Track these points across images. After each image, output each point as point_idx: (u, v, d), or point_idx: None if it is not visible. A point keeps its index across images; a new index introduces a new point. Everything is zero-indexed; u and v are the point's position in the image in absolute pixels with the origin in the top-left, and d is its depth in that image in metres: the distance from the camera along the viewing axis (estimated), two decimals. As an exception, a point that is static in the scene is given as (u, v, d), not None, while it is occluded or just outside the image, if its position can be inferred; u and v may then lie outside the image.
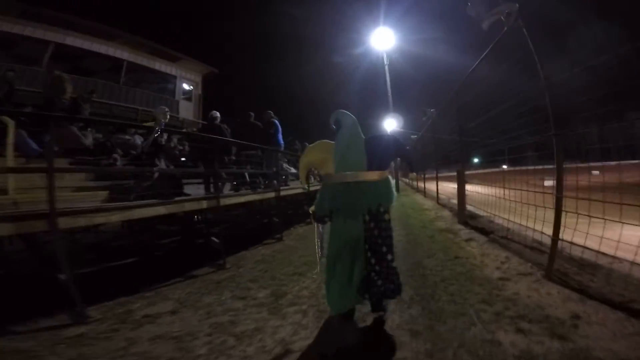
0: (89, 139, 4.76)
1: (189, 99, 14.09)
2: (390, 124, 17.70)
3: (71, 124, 4.46)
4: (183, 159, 5.71)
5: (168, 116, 5.21)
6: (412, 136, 15.48)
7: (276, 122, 6.56)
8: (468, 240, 4.16)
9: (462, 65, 5.31)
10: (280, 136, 6.57)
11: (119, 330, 2.28)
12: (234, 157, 5.59)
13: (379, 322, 2.03)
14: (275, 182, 6.01)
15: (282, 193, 6.16)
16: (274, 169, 6.13)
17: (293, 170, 8.88)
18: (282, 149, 6.77)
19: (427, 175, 11.95)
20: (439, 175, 8.86)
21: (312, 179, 6.24)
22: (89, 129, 5.04)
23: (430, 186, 10.83)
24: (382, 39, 16.66)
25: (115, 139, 5.33)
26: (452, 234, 4.67)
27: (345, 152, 1.94)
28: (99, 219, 2.91)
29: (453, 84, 5.53)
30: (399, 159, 2.94)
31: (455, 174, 5.58)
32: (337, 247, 1.92)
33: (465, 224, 5.14)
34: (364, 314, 2.14)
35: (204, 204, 4.07)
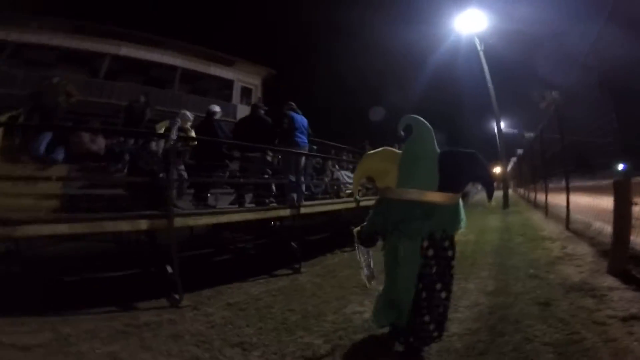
0: (97, 145, 4.76)
1: (248, 103, 14.45)
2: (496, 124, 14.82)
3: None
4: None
5: (189, 121, 5.27)
6: (526, 135, 12.75)
7: (293, 115, 5.40)
8: (630, 319, 2.21)
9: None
10: (300, 134, 5.36)
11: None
12: (228, 162, 4.73)
13: None
14: (294, 195, 4.87)
15: (312, 209, 5.05)
16: (292, 177, 5.00)
17: (348, 178, 7.71)
18: (305, 149, 5.53)
19: (551, 185, 9.10)
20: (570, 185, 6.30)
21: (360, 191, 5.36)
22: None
23: (556, 200, 8.05)
24: (471, 23, 14.18)
25: (125, 145, 5.34)
26: (594, 299, 2.70)
27: (414, 166, 1.84)
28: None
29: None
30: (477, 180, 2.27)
31: (595, 184, 4.14)
32: (386, 264, 1.94)
33: (626, 276, 3.04)
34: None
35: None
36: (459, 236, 2.01)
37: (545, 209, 8.34)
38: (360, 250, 2.24)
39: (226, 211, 4.15)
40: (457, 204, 1.90)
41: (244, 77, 14.51)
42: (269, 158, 5.58)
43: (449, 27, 15.21)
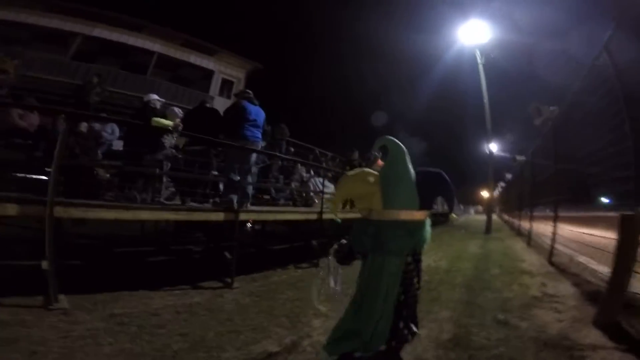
0: (27, 122, 4.78)
1: (229, 96, 13.81)
2: (490, 146, 14.56)
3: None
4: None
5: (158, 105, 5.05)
6: (518, 158, 12.53)
7: (246, 105, 4.72)
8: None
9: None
10: (250, 127, 4.66)
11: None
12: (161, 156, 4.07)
13: None
14: (233, 197, 4.18)
15: (256, 216, 4.41)
16: (234, 175, 4.34)
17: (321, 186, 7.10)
18: (256, 145, 4.85)
19: (538, 213, 8.72)
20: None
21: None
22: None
23: (542, 229, 7.61)
24: (474, 34, 13.85)
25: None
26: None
27: (397, 188, 1.92)
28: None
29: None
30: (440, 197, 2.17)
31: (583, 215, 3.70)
32: (372, 286, 1.88)
33: (615, 330, 2.50)
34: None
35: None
36: (430, 263, 2.51)
37: (529, 237, 7.87)
38: (332, 268, 2.23)
39: (130, 207, 3.43)
40: (428, 220, 2.03)
41: (226, 69, 13.90)
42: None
43: (452, 38, 14.99)
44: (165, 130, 4.51)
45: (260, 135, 4.84)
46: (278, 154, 6.21)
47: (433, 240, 2.10)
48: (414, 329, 1.95)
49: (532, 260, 5.66)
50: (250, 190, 4.71)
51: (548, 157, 6.69)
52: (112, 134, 5.47)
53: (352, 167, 8.62)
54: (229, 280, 4.02)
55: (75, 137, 4.75)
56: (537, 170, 7.86)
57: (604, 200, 5.32)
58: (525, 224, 9.91)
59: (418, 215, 1.94)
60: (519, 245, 7.92)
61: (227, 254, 4.05)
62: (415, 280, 1.96)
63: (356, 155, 8.23)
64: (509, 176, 20.40)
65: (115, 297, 3.29)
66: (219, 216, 4.04)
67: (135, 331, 2.55)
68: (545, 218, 8.49)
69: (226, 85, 14.21)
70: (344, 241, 2.16)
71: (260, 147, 4.86)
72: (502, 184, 25.60)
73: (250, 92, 4.98)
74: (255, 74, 14.79)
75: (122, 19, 11.40)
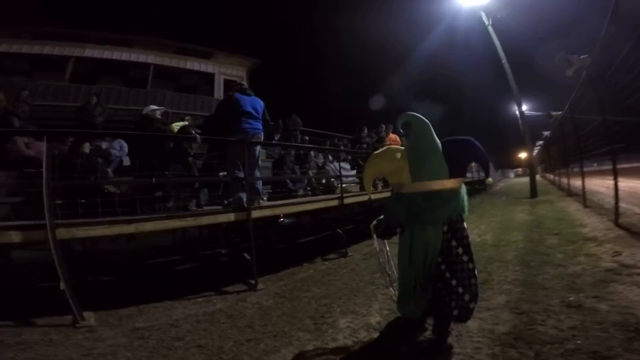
0: (34, 150, 4.61)
1: None
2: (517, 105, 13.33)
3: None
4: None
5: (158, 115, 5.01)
6: (553, 113, 11.54)
7: (239, 97, 4.35)
8: None
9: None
10: (249, 120, 4.29)
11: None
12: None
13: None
14: (242, 195, 3.86)
15: (271, 212, 4.20)
16: (239, 172, 4.03)
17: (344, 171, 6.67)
18: (258, 137, 4.48)
19: (586, 168, 7.83)
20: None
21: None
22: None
23: (596, 186, 6.78)
24: None
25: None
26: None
27: (424, 160, 1.99)
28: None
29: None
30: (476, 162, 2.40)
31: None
32: (411, 258, 2.02)
33: None
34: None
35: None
36: (473, 238, 2.30)
37: (583, 197, 7.03)
38: (378, 244, 2.39)
39: (132, 220, 3.22)
40: (463, 187, 2.10)
41: (226, 70, 13.92)
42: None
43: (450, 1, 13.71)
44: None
45: (260, 127, 4.48)
46: (280, 142, 5.74)
47: (472, 212, 2.29)
48: (468, 309, 1.96)
49: (594, 223, 4.94)
50: (260, 185, 4.38)
51: (588, 108, 5.91)
52: (121, 150, 5.39)
53: (364, 145, 8.13)
54: (252, 282, 3.81)
55: (80, 158, 4.68)
56: (581, 122, 6.96)
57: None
58: (575, 182, 8.98)
59: (449, 183, 2.00)
60: (572, 207, 7.10)
61: (247, 255, 3.76)
62: (459, 250, 1.99)
63: (365, 132, 7.73)
64: (546, 133, 18.93)
65: (140, 310, 3.27)
66: (230, 217, 3.75)
67: (153, 345, 2.49)
68: (597, 173, 7.62)
69: (230, 86, 14.05)
70: (381, 217, 2.31)
71: (261, 138, 4.50)
72: (539, 142, 23.85)
73: (243, 83, 4.66)
74: (256, 70, 14.78)
75: (111, 37, 11.68)
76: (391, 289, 2.53)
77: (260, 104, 4.56)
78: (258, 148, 4.43)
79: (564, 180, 11.35)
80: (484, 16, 12.47)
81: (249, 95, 4.49)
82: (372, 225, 2.33)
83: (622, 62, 3.80)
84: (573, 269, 3.14)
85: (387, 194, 2.27)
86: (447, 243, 1.98)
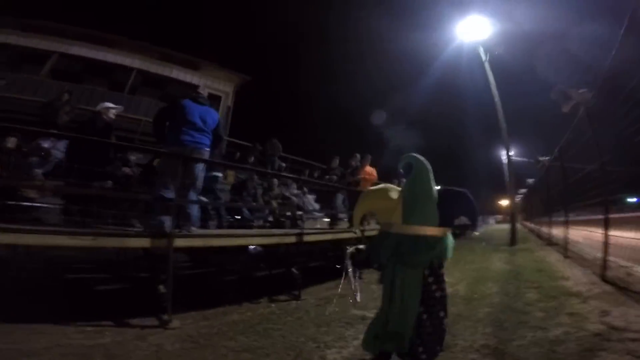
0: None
1: (216, 111, 13.40)
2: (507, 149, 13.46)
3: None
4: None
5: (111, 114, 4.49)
6: (541, 158, 11.57)
7: (186, 104, 3.85)
8: None
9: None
10: (191, 131, 3.77)
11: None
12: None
13: None
14: (164, 219, 3.27)
15: (191, 242, 3.59)
16: (166, 192, 3.46)
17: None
18: (200, 153, 3.92)
19: (569, 216, 7.60)
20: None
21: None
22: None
23: (576, 237, 6.46)
24: (474, 30, 12.91)
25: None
26: None
27: (418, 205, 2.06)
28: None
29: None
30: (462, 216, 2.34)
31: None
32: (389, 295, 2.08)
33: None
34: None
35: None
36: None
37: (565, 247, 6.68)
38: (351, 271, 2.52)
39: (7, 229, 2.59)
40: (449, 235, 2.17)
41: (212, 83, 13.59)
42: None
43: (451, 35, 14.11)
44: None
45: (205, 141, 3.92)
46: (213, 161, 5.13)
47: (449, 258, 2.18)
48: (436, 351, 2.05)
49: (576, 276, 4.51)
50: (194, 211, 3.77)
51: (584, 151, 5.73)
52: (66, 151, 4.78)
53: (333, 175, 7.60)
54: (165, 317, 3.15)
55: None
56: (571, 169, 6.78)
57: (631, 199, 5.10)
58: (557, 231, 8.70)
59: (437, 231, 2.07)
60: (553, 257, 6.71)
61: (162, 288, 3.12)
62: (439, 294, 2.08)
63: (336, 162, 7.24)
64: (530, 181, 19.17)
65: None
66: (143, 242, 3.13)
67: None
68: (581, 223, 7.39)
69: (214, 101, 13.87)
70: (361, 246, 2.42)
71: (204, 155, 3.92)
72: (522, 190, 24.21)
73: (200, 92, 4.22)
74: (245, 88, 14.45)
75: (96, 35, 11.36)
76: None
77: (213, 116, 4.05)
78: (200, 167, 3.85)
79: (544, 229, 11.14)
80: (481, 51, 12.71)
81: (201, 104, 3.99)
82: (349, 251, 2.45)
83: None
84: (554, 333, 2.64)
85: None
86: (428, 287, 2.05)
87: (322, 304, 4.11)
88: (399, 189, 2.22)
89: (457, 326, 2.92)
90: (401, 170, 2.20)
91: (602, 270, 4.03)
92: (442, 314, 2.08)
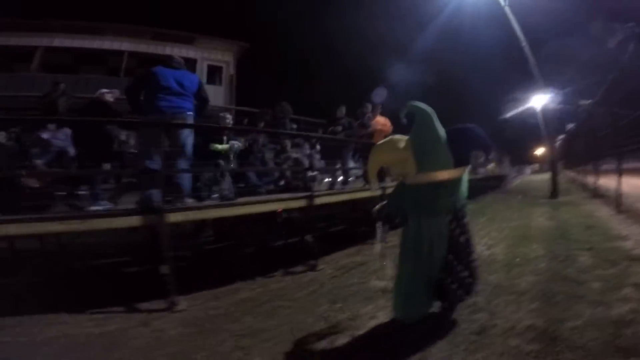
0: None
1: (220, 82, 13.20)
2: (539, 99, 12.14)
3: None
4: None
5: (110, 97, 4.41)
6: (582, 102, 10.44)
7: (157, 72, 3.52)
8: None
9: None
10: (168, 96, 3.44)
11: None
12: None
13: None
14: (151, 193, 2.99)
15: (185, 216, 3.28)
16: (151, 163, 3.17)
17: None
18: (181, 118, 3.57)
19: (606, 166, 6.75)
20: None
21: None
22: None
23: (625, 186, 5.72)
24: None
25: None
26: None
27: (429, 151, 2.03)
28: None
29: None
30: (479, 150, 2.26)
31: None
32: (415, 248, 2.06)
33: None
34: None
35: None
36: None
37: (617, 200, 5.94)
38: (379, 228, 2.43)
39: None
40: (466, 175, 2.18)
41: (210, 55, 13.58)
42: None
43: None
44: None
45: (186, 105, 3.57)
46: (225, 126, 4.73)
47: (483, 214, 3.11)
48: (472, 287, 2.14)
49: (637, 235, 3.90)
50: (185, 181, 3.45)
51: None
52: (66, 140, 4.69)
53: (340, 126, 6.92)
54: (171, 300, 3.03)
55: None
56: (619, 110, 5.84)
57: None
58: (606, 182, 7.85)
59: (454, 173, 2.08)
60: (603, 212, 6.01)
61: (164, 268, 2.91)
62: (464, 238, 2.12)
63: (342, 111, 6.51)
64: (569, 126, 17.62)
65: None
66: (131, 221, 2.87)
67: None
68: (630, 171, 6.55)
69: (216, 72, 13.85)
70: (385, 202, 2.44)
71: (188, 119, 3.57)
72: (560, 136, 22.50)
73: (177, 58, 3.84)
74: (246, 55, 14.30)
75: (81, 25, 11.49)
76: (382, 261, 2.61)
77: (191, 78, 3.71)
78: (186, 132, 3.48)
79: (589, 179, 10.19)
80: None
81: (175, 68, 3.66)
82: (375, 209, 2.42)
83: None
84: (618, 311, 2.16)
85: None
86: (452, 232, 2.06)
87: (340, 274, 3.82)
88: (406, 137, 2.18)
89: (495, 301, 2.52)
90: (404, 119, 2.21)
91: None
92: (471, 256, 2.13)
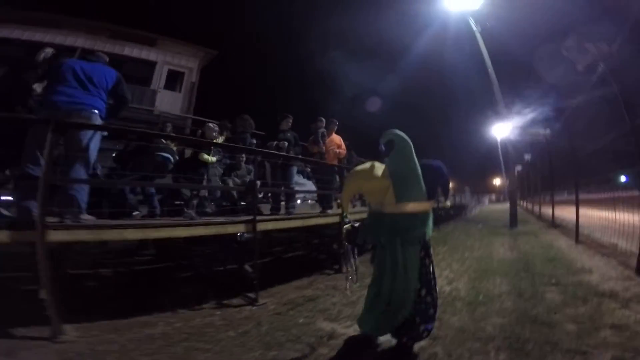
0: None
1: (179, 89, 12.48)
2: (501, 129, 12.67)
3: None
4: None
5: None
6: (542, 132, 10.66)
7: (63, 63, 3.07)
8: None
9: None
10: (67, 88, 2.92)
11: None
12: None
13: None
14: (29, 204, 2.43)
15: (70, 236, 2.65)
16: (32, 168, 2.61)
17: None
18: (82, 117, 2.97)
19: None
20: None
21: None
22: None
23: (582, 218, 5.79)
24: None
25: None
26: None
27: (408, 182, 2.07)
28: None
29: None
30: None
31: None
32: (389, 274, 2.07)
33: None
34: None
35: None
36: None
37: (576, 230, 5.96)
38: (348, 250, 2.45)
39: None
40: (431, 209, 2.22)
41: (173, 59, 13.00)
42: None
43: (437, 6, 12.95)
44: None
45: (94, 102, 3.03)
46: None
47: (444, 243, 3.06)
48: (431, 326, 2.10)
49: (600, 268, 3.75)
50: (81, 193, 2.80)
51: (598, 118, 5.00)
52: None
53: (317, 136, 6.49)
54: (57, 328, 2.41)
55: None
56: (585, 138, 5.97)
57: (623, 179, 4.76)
58: (564, 212, 8.02)
59: (428, 206, 2.15)
60: (562, 243, 6.00)
61: (42, 292, 2.28)
62: (432, 268, 2.15)
63: (288, 123, 6.03)
64: (527, 156, 18.57)
65: None
66: (3, 236, 2.23)
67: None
68: (567, 202, 6.71)
69: (177, 78, 13.27)
70: (356, 224, 2.53)
71: (91, 118, 2.98)
72: (517, 167, 23.71)
73: (98, 52, 3.51)
74: (212, 62, 13.83)
75: (35, 16, 10.73)
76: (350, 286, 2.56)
77: (105, 73, 3.21)
78: (88, 133, 2.88)
79: (546, 210, 10.50)
80: (472, 22, 11.68)
81: (91, 61, 3.22)
82: (345, 229, 2.49)
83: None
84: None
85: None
86: (421, 261, 2.10)
87: (285, 311, 3.27)
88: (383, 166, 2.17)
89: (459, 350, 2.11)
90: (382, 147, 2.21)
91: (639, 262, 3.27)
92: (435, 287, 2.15)
